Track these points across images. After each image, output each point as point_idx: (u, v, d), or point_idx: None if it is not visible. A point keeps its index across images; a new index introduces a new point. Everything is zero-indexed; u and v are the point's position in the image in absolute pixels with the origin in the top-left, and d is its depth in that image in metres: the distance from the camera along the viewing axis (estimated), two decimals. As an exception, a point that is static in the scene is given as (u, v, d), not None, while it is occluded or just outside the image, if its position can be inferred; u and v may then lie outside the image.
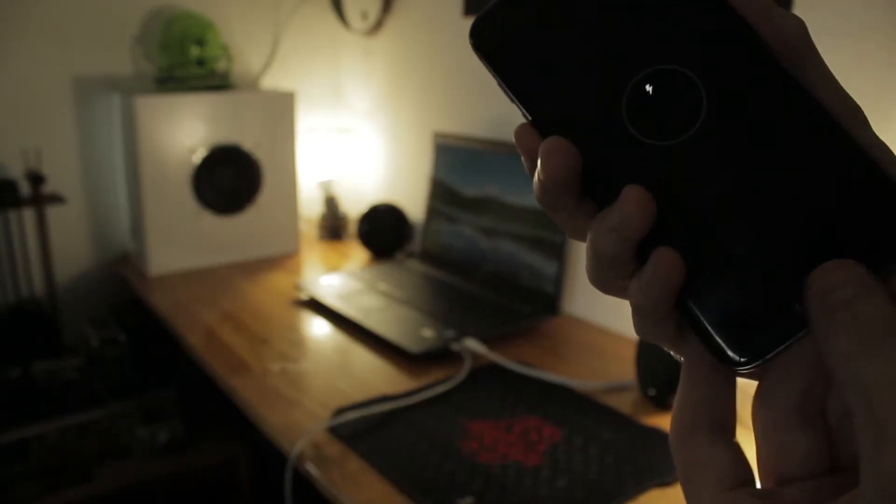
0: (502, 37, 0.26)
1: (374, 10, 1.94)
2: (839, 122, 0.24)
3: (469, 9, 1.68)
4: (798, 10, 1.10)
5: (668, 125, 0.25)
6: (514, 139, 0.26)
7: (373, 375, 1.25)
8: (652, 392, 1.12)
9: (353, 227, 1.99)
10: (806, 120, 0.24)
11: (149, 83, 1.83)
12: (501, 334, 1.37)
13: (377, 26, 1.98)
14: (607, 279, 0.26)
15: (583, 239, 0.26)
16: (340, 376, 1.24)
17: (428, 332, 1.35)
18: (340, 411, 1.10)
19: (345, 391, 1.18)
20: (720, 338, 0.24)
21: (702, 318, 0.24)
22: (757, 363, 0.23)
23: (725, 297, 0.24)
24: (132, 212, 1.80)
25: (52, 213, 1.77)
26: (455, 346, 1.29)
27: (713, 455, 0.23)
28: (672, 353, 0.26)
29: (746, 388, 0.26)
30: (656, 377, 1.12)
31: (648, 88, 0.25)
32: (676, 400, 0.25)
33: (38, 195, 1.71)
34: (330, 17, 2.08)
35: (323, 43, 2.14)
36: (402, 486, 0.93)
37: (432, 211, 1.78)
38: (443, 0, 1.75)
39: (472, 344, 1.29)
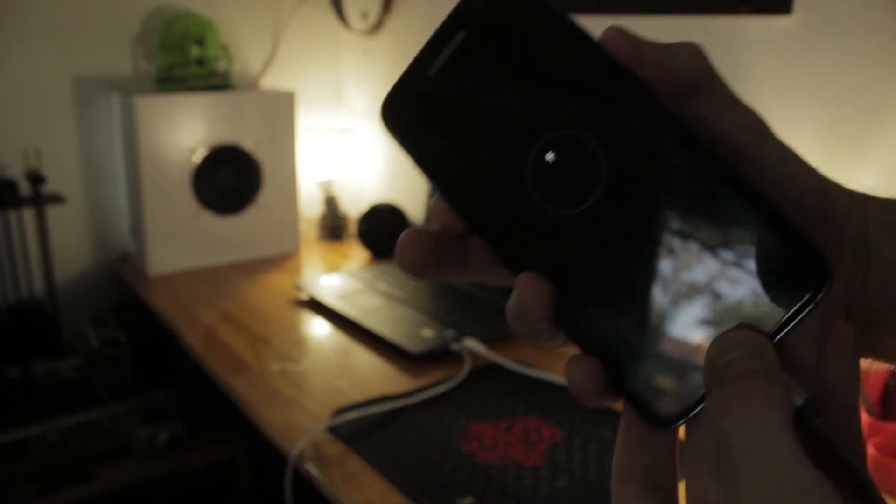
0: (407, 114, 0.26)
1: (374, 10, 1.94)
2: (740, 172, 0.23)
3: None
4: (798, 10, 1.10)
5: (571, 193, 0.24)
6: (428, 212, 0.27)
7: (373, 375, 1.24)
8: (652, 392, 1.12)
9: (353, 227, 1.99)
10: (706, 176, 0.23)
11: (149, 83, 1.83)
12: (501, 334, 1.37)
13: (377, 26, 1.98)
14: (539, 346, 0.26)
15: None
16: (340, 376, 1.24)
17: (428, 332, 1.35)
18: (340, 411, 1.10)
19: (345, 391, 1.18)
20: (641, 399, 0.24)
21: (622, 381, 0.24)
22: (677, 423, 0.23)
23: (642, 361, 0.24)
24: (132, 212, 1.80)
25: (52, 213, 1.77)
26: (455, 346, 1.29)
27: None
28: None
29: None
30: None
31: (550, 157, 0.24)
32: (615, 450, 0.25)
33: (38, 195, 1.71)
34: (330, 17, 2.08)
35: (323, 43, 2.14)
36: (402, 486, 0.93)
37: (432, 211, 1.77)
38: (443, 0, 1.75)
39: (472, 344, 1.29)
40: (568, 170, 0.24)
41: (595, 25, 0.25)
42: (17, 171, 1.73)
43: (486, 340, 1.31)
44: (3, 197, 1.67)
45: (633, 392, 0.24)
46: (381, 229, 1.86)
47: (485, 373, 1.23)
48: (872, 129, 1.04)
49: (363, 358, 1.32)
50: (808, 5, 1.09)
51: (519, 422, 1.08)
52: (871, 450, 0.92)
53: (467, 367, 1.24)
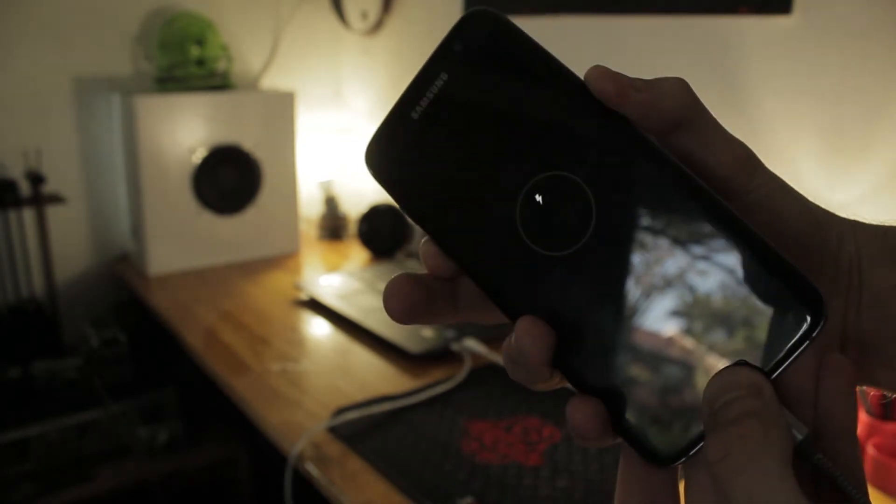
0: (392, 158, 0.26)
1: (374, 9, 1.94)
2: (733, 209, 0.23)
3: (468, 9, 1.68)
4: (798, 10, 1.10)
5: (562, 234, 0.24)
6: (419, 254, 0.26)
7: (373, 375, 1.24)
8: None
9: (353, 227, 1.99)
10: (697, 215, 0.23)
11: (149, 83, 1.83)
12: (501, 334, 1.37)
13: (377, 26, 1.98)
14: (535, 388, 0.26)
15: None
16: (340, 376, 1.24)
17: (428, 332, 1.35)
18: (340, 411, 1.10)
19: (345, 391, 1.18)
20: (640, 438, 0.24)
21: (620, 421, 0.24)
22: (677, 462, 0.23)
23: (640, 400, 0.24)
24: (132, 212, 1.80)
25: (52, 213, 1.77)
26: (455, 346, 1.29)
27: None
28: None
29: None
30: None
31: (539, 198, 0.24)
32: (616, 486, 0.25)
33: (38, 195, 1.71)
34: (330, 17, 2.08)
35: (323, 43, 2.14)
36: (402, 486, 0.93)
37: (432, 211, 1.77)
38: (442, 0, 1.75)
39: (472, 344, 1.29)
40: (558, 211, 0.24)
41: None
42: (17, 171, 1.73)
43: (486, 340, 1.31)
44: (3, 197, 1.67)
45: (631, 431, 0.24)
46: (381, 229, 1.86)
47: (485, 373, 1.23)
48: (872, 128, 1.04)
49: (363, 358, 1.32)
50: (808, 5, 1.09)
51: (519, 422, 1.08)
52: (871, 450, 0.92)
53: (467, 367, 1.24)
